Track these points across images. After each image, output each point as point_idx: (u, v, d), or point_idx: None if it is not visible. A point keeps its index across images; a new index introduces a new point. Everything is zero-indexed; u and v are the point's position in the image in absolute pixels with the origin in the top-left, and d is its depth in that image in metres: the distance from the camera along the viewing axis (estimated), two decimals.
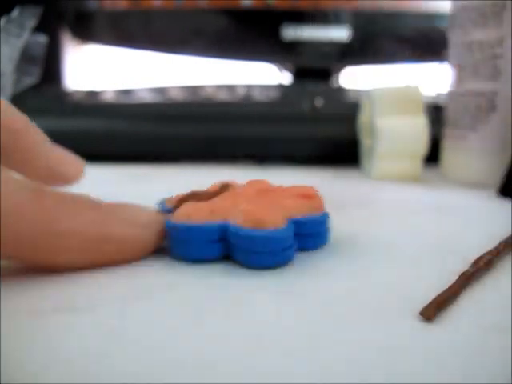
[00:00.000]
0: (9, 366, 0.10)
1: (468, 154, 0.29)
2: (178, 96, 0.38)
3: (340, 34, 0.42)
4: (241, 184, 0.18)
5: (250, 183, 0.18)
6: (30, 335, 0.11)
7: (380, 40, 0.44)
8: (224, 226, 0.15)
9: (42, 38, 0.32)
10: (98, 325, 0.12)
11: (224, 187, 0.18)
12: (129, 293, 0.13)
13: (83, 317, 0.12)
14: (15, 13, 0.30)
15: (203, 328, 0.12)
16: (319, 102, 0.35)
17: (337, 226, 0.18)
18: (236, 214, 0.16)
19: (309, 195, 0.17)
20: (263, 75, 0.51)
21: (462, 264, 0.15)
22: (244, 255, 0.15)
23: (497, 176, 0.27)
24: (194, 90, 0.39)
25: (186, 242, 0.16)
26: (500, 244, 0.16)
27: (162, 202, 0.19)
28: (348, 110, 0.34)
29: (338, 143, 0.34)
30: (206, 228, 0.15)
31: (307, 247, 0.17)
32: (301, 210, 0.17)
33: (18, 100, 0.34)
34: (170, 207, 0.18)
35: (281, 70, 0.47)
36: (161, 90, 0.39)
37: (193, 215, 0.16)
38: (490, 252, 0.16)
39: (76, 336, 0.11)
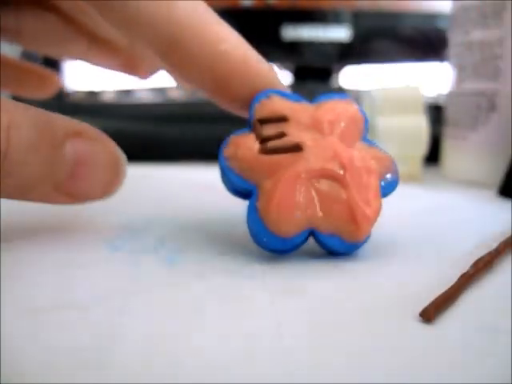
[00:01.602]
0: (8, 363, 0.10)
1: (468, 154, 0.29)
2: (177, 96, 0.38)
3: (340, 33, 0.42)
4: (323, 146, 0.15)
5: (331, 153, 0.15)
6: (30, 332, 0.11)
7: (380, 40, 0.44)
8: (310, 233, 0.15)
9: None
10: (97, 322, 0.12)
11: (294, 146, 0.15)
12: (129, 291, 0.13)
13: (83, 313, 0.12)
14: None
15: (203, 327, 0.12)
16: None
17: None
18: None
19: (356, 219, 0.15)
20: None
21: (462, 264, 0.15)
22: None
23: (497, 176, 0.27)
24: (193, 89, 0.39)
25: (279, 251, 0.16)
26: (500, 244, 0.16)
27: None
28: None
29: None
30: (295, 241, 0.15)
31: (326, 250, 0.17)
32: (336, 226, 0.15)
33: (18, 100, 0.34)
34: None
35: (281, 70, 0.47)
36: (161, 90, 0.39)
37: (284, 224, 0.15)
38: (489, 253, 0.16)
39: (75, 333, 0.11)
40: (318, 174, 0.15)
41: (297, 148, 0.15)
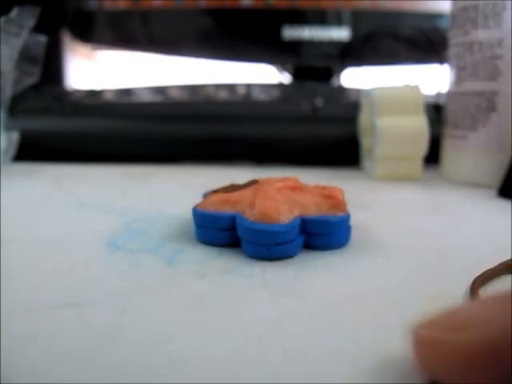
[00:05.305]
0: (8, 363, 0.10)
1: (468, 154, 0.29)
2: (177, 96, 0.38)
3: (340, 34, 0.42)
4: (274, 180, 0.19)
5: (280, 180, 0.19)
6: (30, 332, 0.11)
7: (380, 40, 0.44)
8: (233, 217, 0.17)
9: (42, 38, 0.32)
10: (97, 321, 0.12)
11: (251, 182, 0.19)
12: (129, 291, 0.13)
13: (83, 313, 0.12)
14: (14, 13, 0.30)
15: (203, 327, 0.12)
16: (319, 102, 0.35)
17: None
18: (245, 207, 0.17)
19: (331, 196, 0.17)
20: (263, 75, 0.51)
21: (461, 265, 0.15)
22: (244, 244, 0.16)
23: (497, 176, 0.27)
24: (194, 89, 0.39)
25: (200, 227, 0.17)
26: (500, 265, 0.16)
27: (206, 193, 0.20)
28: (348, 109, 0.34)
29: (338, 143, 0.34)
30: (216, 216, 0.17)
31: (319, 246, 0.17)
32: (320, 210, 0.17)
33: (18, 100, 0.34)
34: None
35: (281, 71, 0.47)
36: (161, 90, 0.39)
37: (208, 204, 0.17)
38: (488, 272, 0.15)
39: (75, 332, 0.11)
40: (279, 187, 0.18)
41: (253, 182, 0.19)
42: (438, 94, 0.39)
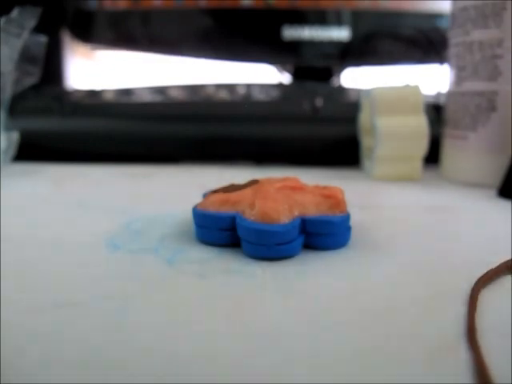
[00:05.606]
0: (8, 363, 0.10)
1: (468, 154, 0.29)
2: (178, 96, 0.38)
3: (340, 34, 0.42)
4: (274, 180, 0.19)
5: (280, 180, 0.19)
6: (30, 332, 0.11)
7: (380, 40, 0.44)
8: (233, 217, 0.17)
9: (42, 38, 0.32)
10: (97, 321, 0.12)
11: (251, 182, 0.19)
12: (129, 289, 0.13)
13: (83, 313, 0.12)
14: (15, 13, 0.30)
15: (203, 327, 0.12)
16: (319, 102, 0.35)
17: None
18: (245, 207, 0.17)
19: (331, 196, 0.17)
20: (263, 75, 0.51)
21: (461, 265, 0.15)
22: (244, 244, 0.16)
23: (497, 176, 0.27)
24: (194, 89, 0.39)
25: (200, 227, 0.17)
26: (501, 265, 0.16)
27: (206, 193, 0.20)
28: (348, 109, 0.34)
29: (338, 143, 0.34)
30: (216, 216, 0.17)
31: (319, 246, 0.17)
32: (320, 210, 0.17)
33: (18, 100, 0.34)
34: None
35: (281, 71, 0.47)
36: (161, 90, 0.39)
37: (208, 204, 0.17)
38: (489, 273, 0.15)
39: (75, 332, 0.11)
40: (279, 187, 0.18)
41: (253, 182, 0.19)
42: (438, 94, 0.39)
